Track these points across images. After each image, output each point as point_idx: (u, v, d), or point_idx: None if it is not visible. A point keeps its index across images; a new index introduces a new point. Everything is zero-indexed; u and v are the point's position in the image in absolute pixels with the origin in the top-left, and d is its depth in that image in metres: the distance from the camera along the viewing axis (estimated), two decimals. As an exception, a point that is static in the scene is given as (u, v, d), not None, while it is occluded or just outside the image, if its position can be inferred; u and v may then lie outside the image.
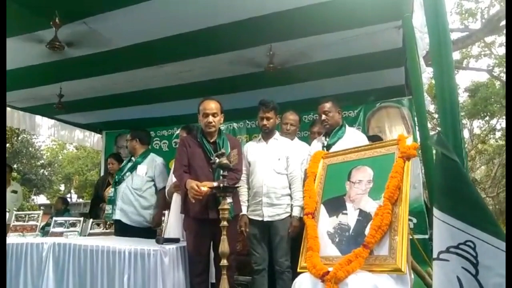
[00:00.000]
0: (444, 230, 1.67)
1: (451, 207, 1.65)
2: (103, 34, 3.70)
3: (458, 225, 1.63)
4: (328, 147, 3.28)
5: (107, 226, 4.19)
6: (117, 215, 4.04)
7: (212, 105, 3.20)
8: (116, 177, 4.23)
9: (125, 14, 3.34)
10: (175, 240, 3.19)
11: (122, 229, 4.00)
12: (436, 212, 1.71)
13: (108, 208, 4.11)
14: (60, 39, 3.49)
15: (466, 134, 15.52)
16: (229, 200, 2.88)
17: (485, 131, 15.39)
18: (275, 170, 3.39)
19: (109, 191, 4.22)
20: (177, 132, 6.68)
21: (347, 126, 3.54)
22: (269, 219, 3.33)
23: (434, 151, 2.20)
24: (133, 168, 4.20)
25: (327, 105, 3.41)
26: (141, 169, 4.20)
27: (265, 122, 3.50)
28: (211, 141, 3.24)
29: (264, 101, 3.54)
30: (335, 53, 4.18)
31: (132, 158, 4.31)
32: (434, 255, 1.70)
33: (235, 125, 6.40)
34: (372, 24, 3.54)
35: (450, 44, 1.90)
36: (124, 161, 4.42)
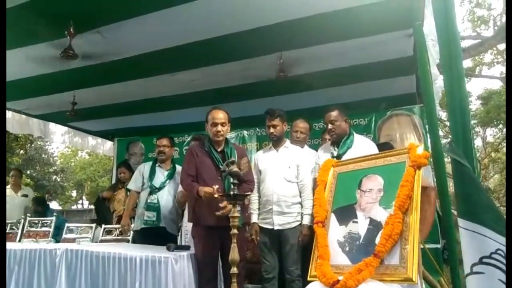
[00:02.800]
0: (472, 239, 1.60)
1: (472, 213, 1.60)
2: (116, 43, 3.77)
3: (485, 232, 1.56)
4: (338, 157, 3.23)
5: (120, 232, 4.16)
6: (162, 223, 4.04)
7: (220, 115, 3.26)
8: (156, 184, 4.12)
9: (137, 24, 3.39)
10: (185, 248, 3.21)
11: (158, 237, 3.85)
12: (460, 221, 1.66)
13: (151, 215, 4.02)
14: (74, 48, 3.55)
15: (479, 142, 15.33)
16: (238, 208, 2.90)
17: (498, 139, 15.17)
18: (286, 178, 3.39)
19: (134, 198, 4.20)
20: (188, 139, 6.74)
21: (355, 134, 3.50)
22: (280, 228, 3.33)
23: (447, 159, 2.19)
24: (171, 175, 4.20)
25: (333, 114, 3.37)
26: (179, 177, 4.21)
27: (272, 130, 3.53)
28: (219, 150, 3.28)
29: (269, 109, 3.58)
30: (346, 61, 4.18)
31: (161, 165, 4.24)
32: (467, 270, 1.61)
33: (245, 133, 6.42)
34: (383, 33, 3.54)
35: (460, 53, 1.90)
36: (148, 167, 4.26)
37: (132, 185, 4.28)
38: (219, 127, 3.22)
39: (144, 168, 4.26)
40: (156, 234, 3.96)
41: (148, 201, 4.06)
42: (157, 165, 4.26)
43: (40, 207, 6.43)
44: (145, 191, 4.17)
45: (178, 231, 4.18)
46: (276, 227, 3.34)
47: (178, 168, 4.29)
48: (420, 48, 3.16)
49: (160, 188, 4.11)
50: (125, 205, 4.60)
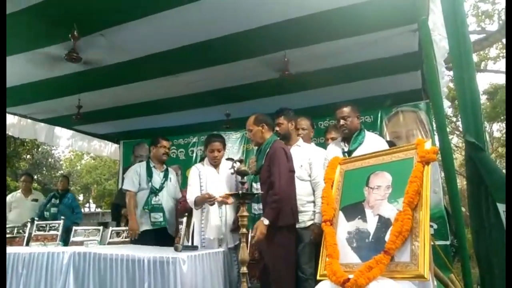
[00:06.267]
0: None
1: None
2: (120, 45, 3.77)
3: None
4: (350, 153, 3.20)
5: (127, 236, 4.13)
6: (165, 224, 4.05)
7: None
8: (155, 184, 4.11)
9: (141, 26, 3.40)
10: (193, 248, 3.20)
11: (159, 239, 3.90)
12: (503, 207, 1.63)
13: (158, 216, 4.02)
14: (78, 51, 3.55)
15: (485, 137, 15.14)
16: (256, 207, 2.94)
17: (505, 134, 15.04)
18: (298, 178, 3.35)
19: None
20: (193, 140, 6.74)
21: (365, 130, 3.45)
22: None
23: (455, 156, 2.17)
24: (167, 176, 4.21)
25: (346, 110, 3.31)
26: (172, 178, 4.26)
27: (277, 128, 3.57)
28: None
29: (278, 109, 3.63)
30: (351, 58, 4.16)
31: (156, 166, 4.22)
32: None
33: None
34: (388, 28, 3.52)
35: (470, 45, 1.88)
36: (144, 168, 4.21)
37: (130, 185, 4.13)
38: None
39: (140, 169, 4.18)
40: (160, 235, 3.98)
41: (153, 202, 4.03)
42: (152, 166, 4.22)
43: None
44: (143, 191, 4.10)
45: (176, 234, 4.23)
46: None
47: (170, 169, 4.36)
48: (425, 43, 3.13)
49: (160, 189, 4.11)
50: None
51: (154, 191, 4.06)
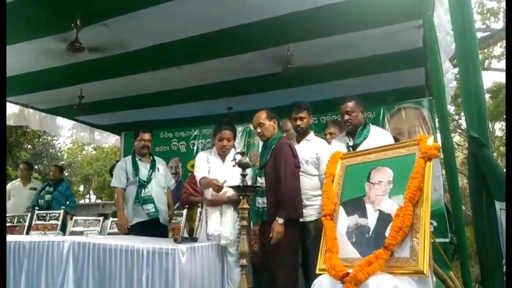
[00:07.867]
0: None
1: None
2: (123, 35, 3.76)
3: None
4: (354, 147, 3.16)
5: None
6: (157, 214, 4.07)
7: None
8: (143, 177, 4.12)
9: (144, 16, 3.38)
10: (193, 240, 3.20)
11: (152, 229, 3.95)
12: (501, 205, 1.62)
13: (150, 207, 4.04)
14: (81, 41, 3.54)
15: (487, 136, 15.07)
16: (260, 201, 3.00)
17: (507, 133, 14.94)
18: (304, 172, 3.34)
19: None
20: (195, 133, 6.73)
21: (371, 125, 3.40)
22: (301, 220, 3.29)
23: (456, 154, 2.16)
24: (154, 167, 4.23)
25: (350, 105, 3.28)
26: (160, 168, 4.27)
27: (298, 122, 3.47)
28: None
29: (296, 101, 3.55)
30: (354, 53, 4.14)
31: (142, 159, 4.23)
32: None
33: (251, 126, 6.38)
34: (392, 24, 3.50)
35: (476, 42, 1.86)
36: (129, 162, 4.21)
37: (117, 182, 4.17)
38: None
39: (126, 165, 4.20)
40: (152, 225, 4.02)
41: (142, 194, 4.05)
42: (137, 159, 4.23)
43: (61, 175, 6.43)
44: (132, 186, 4.12)
45: (169, 222, 4.28)
46: None
47: (157, 159, 4.36)
48: (430, 39, 3.11)
49: (148, 182, 4.13)
50: None
51: (143, 184, 4.08)
